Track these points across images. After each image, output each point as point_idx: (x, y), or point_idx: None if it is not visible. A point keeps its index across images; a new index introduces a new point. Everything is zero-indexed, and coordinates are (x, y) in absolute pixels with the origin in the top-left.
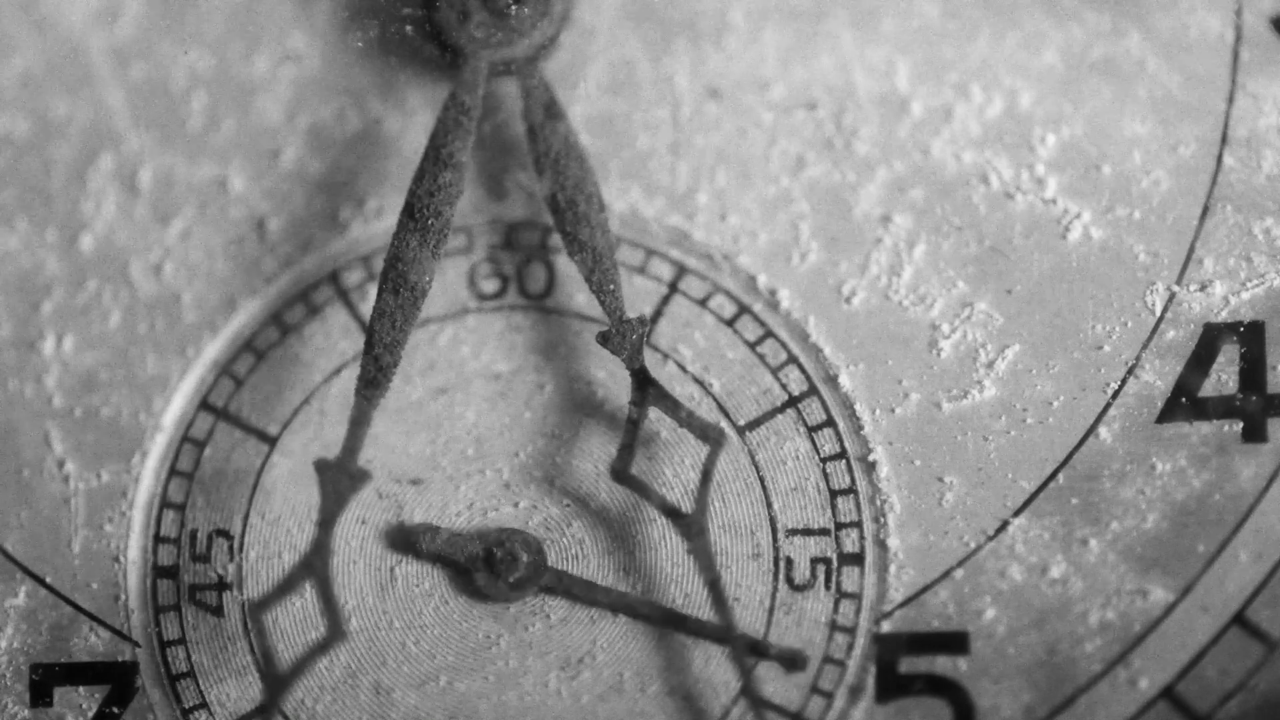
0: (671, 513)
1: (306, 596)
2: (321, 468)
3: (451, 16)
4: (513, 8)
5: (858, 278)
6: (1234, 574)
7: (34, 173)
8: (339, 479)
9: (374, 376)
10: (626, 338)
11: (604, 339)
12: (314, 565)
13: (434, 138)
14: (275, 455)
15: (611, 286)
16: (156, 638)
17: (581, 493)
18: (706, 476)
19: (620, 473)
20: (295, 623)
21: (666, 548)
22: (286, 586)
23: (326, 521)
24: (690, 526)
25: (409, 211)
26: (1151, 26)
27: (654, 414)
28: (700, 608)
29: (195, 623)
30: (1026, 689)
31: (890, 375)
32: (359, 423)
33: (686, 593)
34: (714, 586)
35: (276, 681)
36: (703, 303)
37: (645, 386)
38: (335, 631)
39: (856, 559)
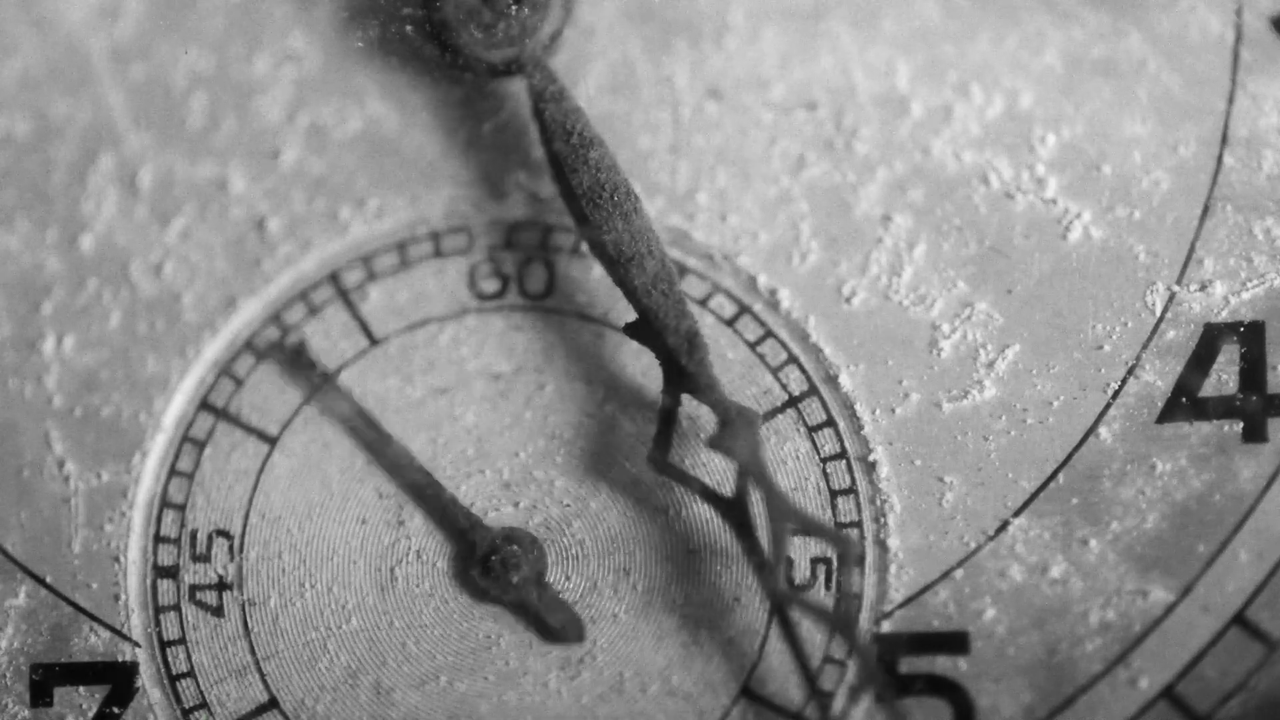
0: (713, 498)
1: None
2: (720, 441)
3: (453, 16)
4: (513, 7)
5: (858, 278)
6: (1234, 574)
7: (34, 173)
8: (738, 433)
9: (689, 344)
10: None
11: (632, 330)
12: (788, 517)
13: (558, 136)
14: (275, 455)
15: None
16: (156, 638)
17: (581, 493)
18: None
19: (659, 462)
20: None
21: (667, 547)
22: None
23: (748, 470)
24: (731, 511)
25: (594, 203)
26: (1151, 26)
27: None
28: (700, 607)
29: (195, 623)
30: (1026, 689)
31: (890, 375)
32: (709, 387)
33: (686, 592)
34: (760, 570)
35: (845, 624)
36: (703, 303)
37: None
38: (846, 545)
39: (857, 559)
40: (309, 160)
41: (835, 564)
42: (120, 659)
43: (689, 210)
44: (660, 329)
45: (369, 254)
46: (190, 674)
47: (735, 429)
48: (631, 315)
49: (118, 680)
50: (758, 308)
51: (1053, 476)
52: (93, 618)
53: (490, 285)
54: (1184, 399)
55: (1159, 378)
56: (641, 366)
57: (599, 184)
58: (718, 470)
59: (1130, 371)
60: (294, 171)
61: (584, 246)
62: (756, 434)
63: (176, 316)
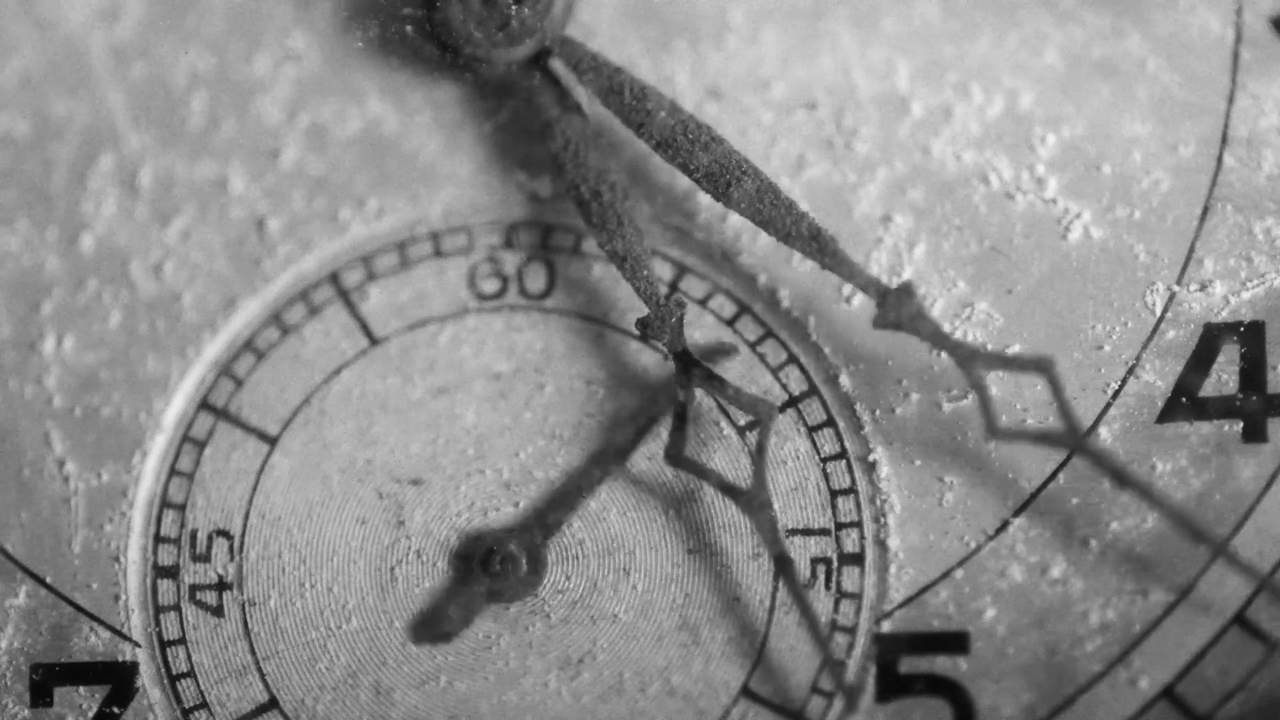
0: (731, 490)
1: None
2: (884, 318)
3: (454, 17)
4: (513, 8)
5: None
6: (1234, 574)
7: (34, 173)
8: (900, 303)
9: (816, 241)
10: (666, 322)
11: (643, 326)
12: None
13: (612, 100)
14: (275, 455)
15: (645, 273)
16: (156, 638)
17: None
18: (761, 451)
19: (675, 456)
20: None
21: (667, 547)
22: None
23: (921, 333)
24: (751, 502)
25: (671, 148)
26: (1151, 26)
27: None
28: (701, 607)
29: (195, 623)
30: (1026, 689)
31: (890, 375)
32: (854, 274)
33: (687, 592)
34: (780, 561)
35: (1077, 438)
36: (703, 302)
37: (689, 369)
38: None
39: (857, 559)
40: (309, 160)
41: (836, 562)
42: (120, 659)
43: (689, 210)
44: (782, 238)
45: (369, 254)
46: (190, 674)
47: (895, 300)
48: (640, 312)
49: (118, 680)
50: (758, 308)
51: (1053, 476)
52: (93, 618)
53: (490, 285)
54: (1184, 399)
55: (1159, 378)
56: (642, 366)
57: (670, 128)
58: (727, 465)
59: (1130, 371)
60: (294, 171)
61: (585, 245)
62: (917, 301)
63: (176, 316)
